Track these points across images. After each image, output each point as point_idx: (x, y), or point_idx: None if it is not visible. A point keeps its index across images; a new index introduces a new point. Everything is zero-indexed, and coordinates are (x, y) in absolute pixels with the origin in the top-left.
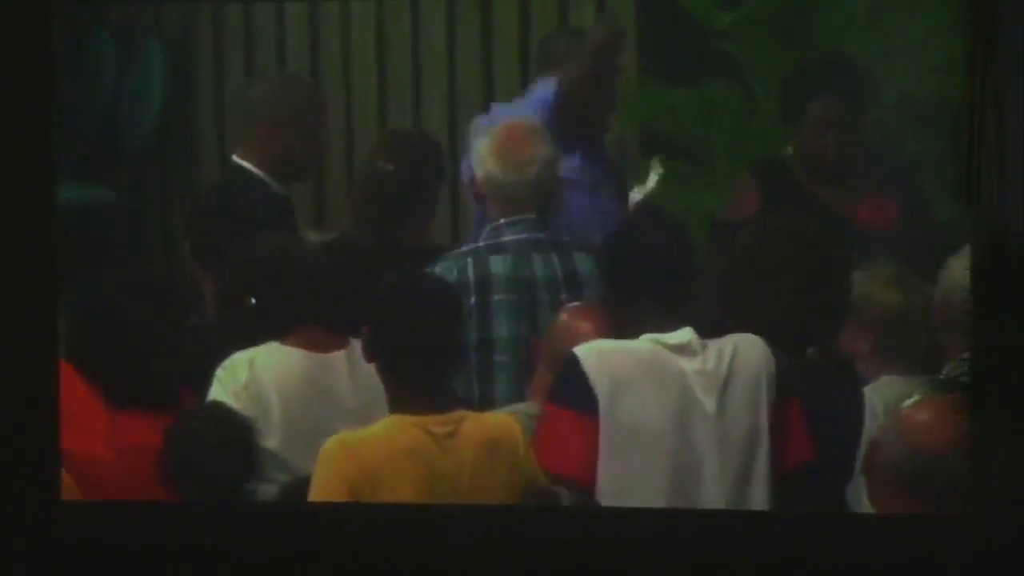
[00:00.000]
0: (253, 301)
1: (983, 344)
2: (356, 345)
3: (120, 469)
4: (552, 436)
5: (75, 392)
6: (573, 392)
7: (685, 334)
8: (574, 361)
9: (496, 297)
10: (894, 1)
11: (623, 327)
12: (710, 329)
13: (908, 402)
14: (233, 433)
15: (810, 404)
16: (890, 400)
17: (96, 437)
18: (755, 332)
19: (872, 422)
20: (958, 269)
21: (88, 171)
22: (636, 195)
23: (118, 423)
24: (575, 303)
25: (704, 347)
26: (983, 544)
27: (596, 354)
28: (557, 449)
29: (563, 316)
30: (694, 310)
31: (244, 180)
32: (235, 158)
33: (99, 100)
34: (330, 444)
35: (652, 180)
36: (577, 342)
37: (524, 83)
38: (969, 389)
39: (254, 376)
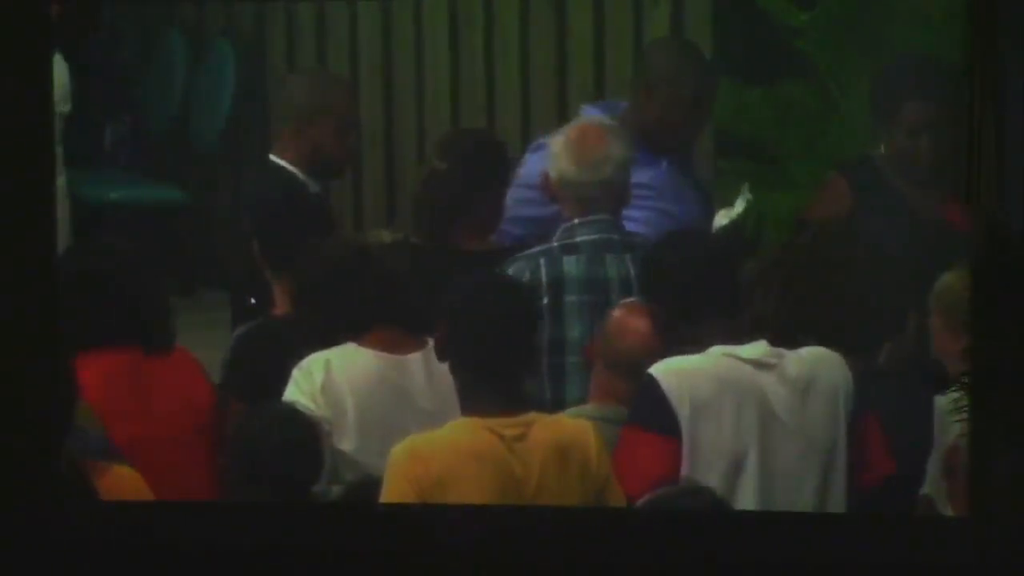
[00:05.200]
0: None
1: (983, 344)
2: (432, 346)
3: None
4: (634, 461)
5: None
6: (654, 415)
7: (759, 347)
8: (653, 383)
9: (569, 298)
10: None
11: (676, 337)
12: (776, 335)
13: None
14: (301, 434)
15: (886, 415)
16: None
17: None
18: (818, 335)
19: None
20: None
21: (160, 170)
22: (722, 220)
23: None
24: (629, 299)
25: (780, 358)
26: (984, 544)
27: (675, 375)
28: (640, 475)
29: (616, 313)
30: (759, 316)
31: (280, 178)
32: (271, 156)
33: (171, 99)
34: (399, 449)
35: (739, 206)
36: (632, 339)
37: (598, 84)
38: (969, 389)
39: (330, 378)
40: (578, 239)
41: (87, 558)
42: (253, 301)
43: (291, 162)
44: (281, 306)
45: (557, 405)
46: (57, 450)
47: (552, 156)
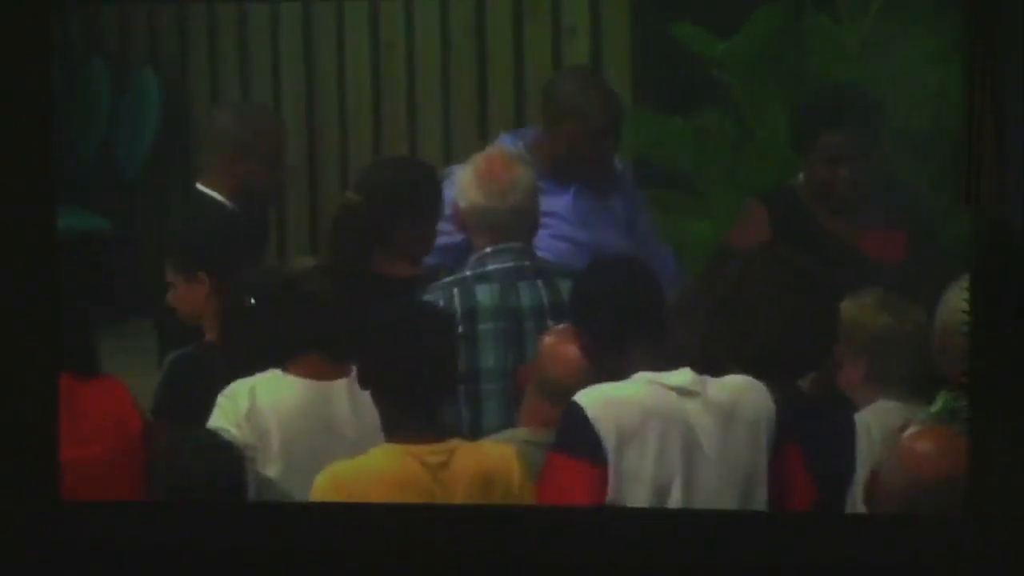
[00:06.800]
0: (252, 301)
1: (983, 344)
2: (356, 373)
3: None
4: (559, 488)
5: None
6: (580, 442)
7: (684, 375)
8: (578, 410)
9: (482, 326)
10: (886, 31)
11: (601, 364)
12: (700, 363)
13: (908, 431)
14: (224, 460)
15: (808, 444)
16: (886, 426)
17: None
18: (743, 364)
19: (869, 448)
20: (957, 297)
21: (84, 199)
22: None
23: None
24: (561, 325)
25: (704, 385)
26: (982, 544)
27: (600, 402)
28: (565, 502)
29: (549, 339)
30: (684, 343)
31: (209, 208)
32: (199, 186)
33: (94, 128)
34: (322, 477)
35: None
36: (564, 364)
37: (518, 112)
38: (969, 389)
39: (255, 405)
40: (490, 268)
41: (87, 558)
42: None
43: (220, 192)
44: (212, 333)
45: (473, 433)
46: (56, 451)
47: (460, 187)
